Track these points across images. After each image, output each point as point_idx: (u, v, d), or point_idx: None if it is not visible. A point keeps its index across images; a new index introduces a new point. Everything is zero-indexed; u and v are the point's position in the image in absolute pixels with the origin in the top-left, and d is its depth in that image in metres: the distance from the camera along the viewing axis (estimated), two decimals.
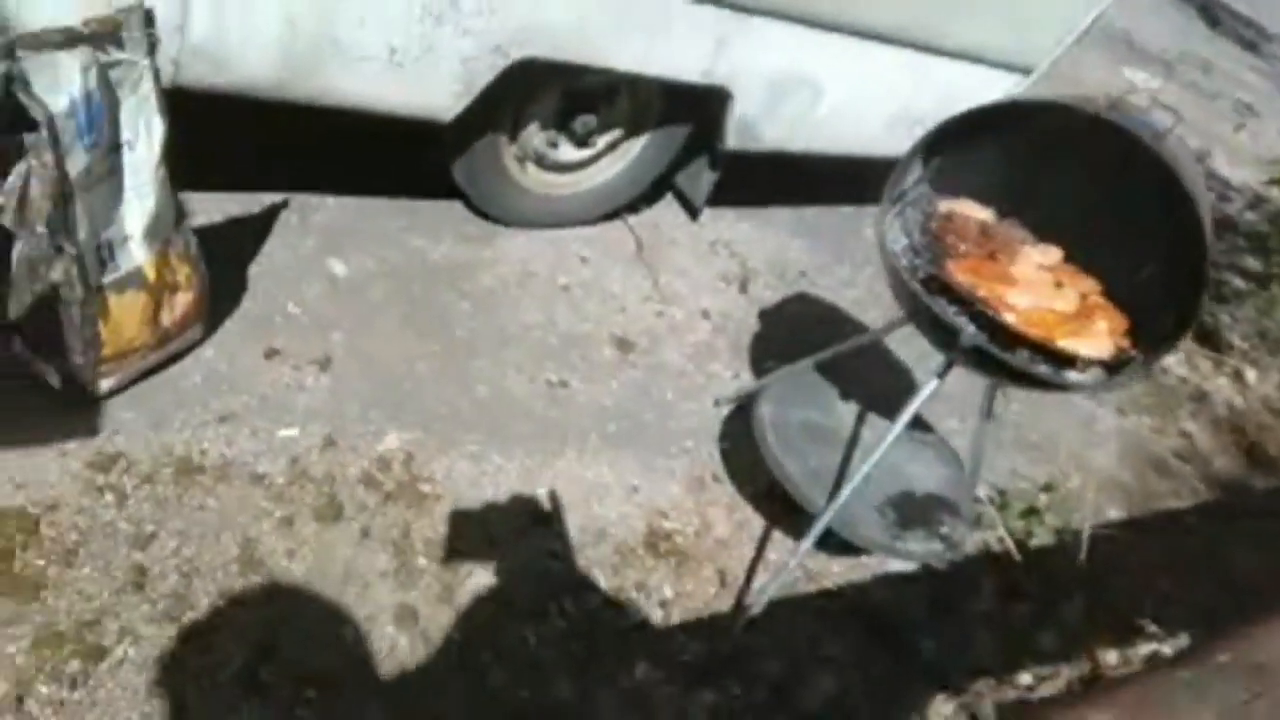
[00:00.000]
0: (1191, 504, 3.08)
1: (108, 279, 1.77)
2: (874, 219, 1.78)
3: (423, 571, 1.83)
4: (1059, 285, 1.68)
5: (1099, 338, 1.54)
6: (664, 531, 2.13)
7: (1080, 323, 1.56)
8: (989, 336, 1.53)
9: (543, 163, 2.86)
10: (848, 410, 2.22)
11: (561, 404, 2.37)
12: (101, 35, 1.62)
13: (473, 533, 1.95)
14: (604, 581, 1.96)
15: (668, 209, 3.36)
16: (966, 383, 2.82)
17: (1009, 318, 1.52)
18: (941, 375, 1.74)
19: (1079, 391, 1.63)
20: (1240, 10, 9.72)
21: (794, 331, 2.97)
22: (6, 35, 1.49)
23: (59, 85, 1.56)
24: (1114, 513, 2.82)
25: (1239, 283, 4.73)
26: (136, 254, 1.82)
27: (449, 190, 2.78)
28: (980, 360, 1.59)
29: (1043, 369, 1.52)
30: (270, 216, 2.52)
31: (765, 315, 3.05)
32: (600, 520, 2.10)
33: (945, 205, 1.79)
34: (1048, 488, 2.54)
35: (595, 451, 2.27)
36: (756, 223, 3.50)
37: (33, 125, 1.54)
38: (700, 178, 3.15)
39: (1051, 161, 1.74)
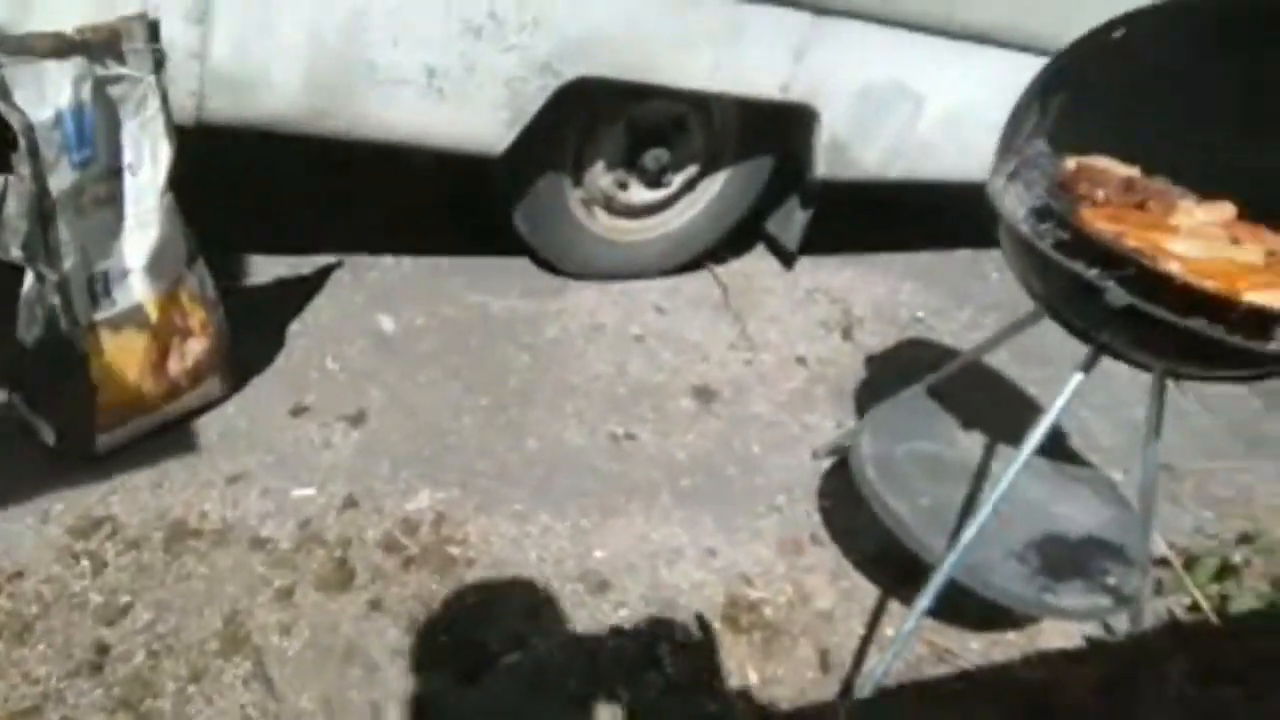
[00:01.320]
0: None
1: (101, 315, 1.60)
2: (988, 180, 1.41)
3: (443, 649, 1.50)
4: (1235, 242, 1.26)
5: None
6: (748, 602, 1.73)
7: (1274, 274, 1.14)
8: (1147, 299, 1.12)
9: (612, 206, 2.62)
10: (971, 440, 1.78)
11: (627, 458, 2.04)
12: (98, 46, 1.50)
13: (510, 603, 1.62)
14: (669, 662, 1.57)
15: (760, 259, 3.06)
16: (1128, 432, 2.36)
17: (1172, 267, 1.11)
18: (1087, 367, 1.32)
19: (1276, 367, 1.18)
20: None
21: (907, 378, 2.53)
22: None
23: (44, 96, 1.43)
24: None
25: None
26: (137, 290, 1.65)
27: (518, 248, 2.57)
28: (1137, 333, 1.17)
29: (1230, 337, 1.09)
30: (321, 277, 2.37)
31: (873, 361, 2.65)
32: (669, 589, 1.73)
33: (1073, 161, 1.40)
34: (1246, 539, 1.99)
35: (665, 510, 1.91)
36: (861, 269, 3.13)
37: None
38: (792, 219, 2.84)
39: (1209, 89, 1.34)
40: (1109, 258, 1.18)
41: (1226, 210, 1.34)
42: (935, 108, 2.56)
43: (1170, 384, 2.88)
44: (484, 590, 1.62)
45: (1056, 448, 2.00)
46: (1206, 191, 1.43)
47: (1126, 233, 1.18)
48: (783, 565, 1.83)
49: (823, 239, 2.96)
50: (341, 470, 1.80)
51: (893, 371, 2.60)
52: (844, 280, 3.06)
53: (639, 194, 2.63)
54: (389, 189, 2.79)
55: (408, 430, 1.95)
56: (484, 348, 2.28)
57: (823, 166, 2.56)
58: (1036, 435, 1.35)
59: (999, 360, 2.64)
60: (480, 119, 2.08)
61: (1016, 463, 1.34)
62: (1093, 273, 1.19)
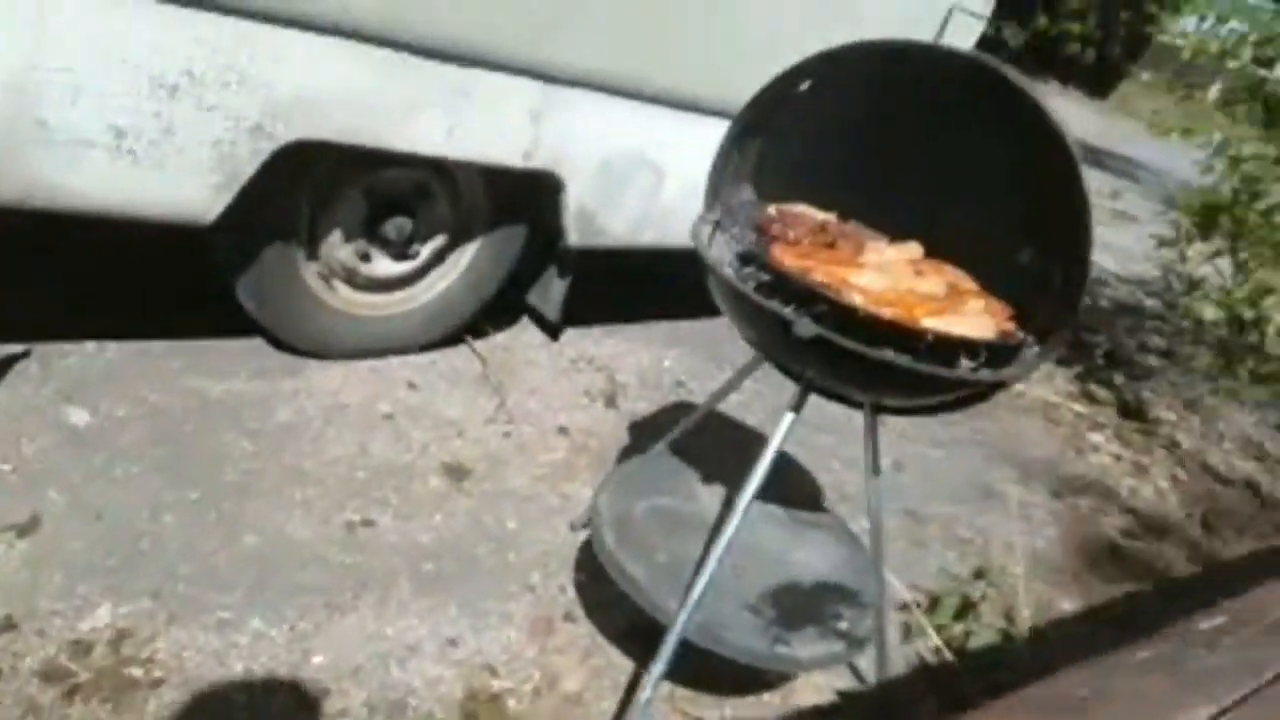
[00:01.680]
0: (1152, 586, 2.63)
1: None
2: (692, 229, 1.40)
3: None
4: (920, 275, 1.30)
5: (977, 317, 1.15)
6: (490, 693, 1.58)
7: (949, 303, 1.18)
8: (838, 330, 1.12)
9: (355, 280, 2.47)
10: (712, 494, 1.75)
11: (362, 547, 1.85)
12: None
13: None
14: None
15: (523, 331, 2.99)
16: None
17: (855, 298, 1.12)
18: (796, 407, 1.32)
19: (965, 391, 1.22)
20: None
21: None
22: None
23: None
24: (1066, 604, 2.35)
25: (1151, 360, 4.61)
26: None
27: (251, 327, 2.35)
28: (837, 367, 1.17)
29: (915, 363, 1.10)
30: (1, 368, 2.05)
31: (636, 427, 2.62)
32: (399, 689, 1.55)
33: (774, 208, 1.43)
34: (980, 574, 2.08)
35: (403, 602, 1.74)
36: (625, 338, 3.14)
37: None
38: (551, 289, 2.80)
39: (894, 137, 1.41)
40: (802, 295, 1.19)
41: (914, 249, 1.40)
42: (675, 177, 2.62)
43: (908, 431, 3.06)
44: (170, 715, 1.38)
45: (806, 500, 2.02)
46: (899, 235, 1.50)
47: (814, 268, 1.19)
48: (532, 649, 1.70)
49: (589, 309, 2.95)
50: None
51: (655, 436, 2.57)
52: (608, 349, 3.04)
53: (384, 266, 2.50)
54: (94, 265, 2.51)
55: (91, 536, 1.67)
56: (199, 437, 2.03)
57: (574, 235, 2.55)
58: (755, 478, 1.33)
59: (758, 420, 2.69)
60: (183, 185, 1.89)
61: (739, 509, 1.30)
62: (788, 309, 1.19)
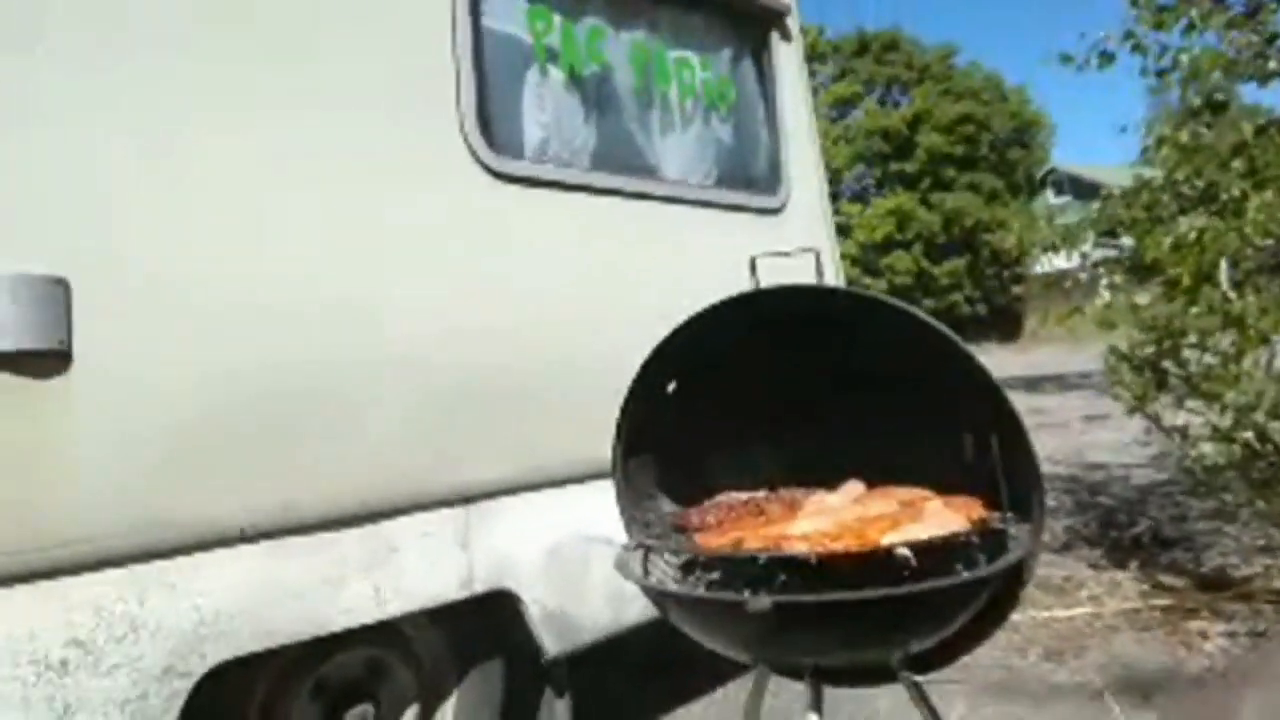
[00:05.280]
0: None
1: None
2: (619, 568, 1.24)
3: None
4: (865, 505, 1.14)
5: (938, 516, 0.98)
6: None
7: (905, 515, 1.01)
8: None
9: None
10: None
11: None
12: None
13: None
14: None
15: None
16: None
17: (798, 547, 0.94)
18: (814, 705, 1.06)
19: (982, 598, 0.99)
20: None
21: None
22: None
23: None
24: None
25: (1201, 525, 4.34)
26: None
27: None
28: (819, 636, 0.95)
29: (901, 591, 0.90)
30: None
31: None
32: None
33: (692, 509, 1.29)
34: None
35: None
36: None
37: None
38: (555, 715, 2.49)
39: (784, 392, 1.33)
40: (752, 574, 1.01)
41: (855, 487, 1.26)
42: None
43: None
44: None
45: None
46: (838, 483, 1.35)
47: (744, 538, 1.02)
48: None
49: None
50: None
51: None
52: None
53: None
54: None
55: None
56: None
57: (552, 644, 2.33)
58: None
59: None
60: None
61: None
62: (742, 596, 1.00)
